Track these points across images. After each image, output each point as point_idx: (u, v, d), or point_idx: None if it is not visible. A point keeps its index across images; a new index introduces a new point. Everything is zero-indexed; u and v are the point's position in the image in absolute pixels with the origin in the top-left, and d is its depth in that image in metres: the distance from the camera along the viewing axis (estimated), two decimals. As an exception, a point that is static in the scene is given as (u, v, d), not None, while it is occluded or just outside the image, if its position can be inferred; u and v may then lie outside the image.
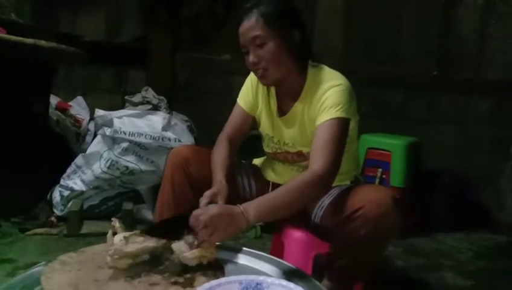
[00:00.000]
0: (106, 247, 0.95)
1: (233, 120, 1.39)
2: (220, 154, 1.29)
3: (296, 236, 1.38)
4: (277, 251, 1.52)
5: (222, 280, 0.88)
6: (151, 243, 0.97)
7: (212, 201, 1.08)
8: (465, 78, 2.78)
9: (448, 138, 2.80)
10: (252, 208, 1.00)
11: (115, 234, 0.99)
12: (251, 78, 1.39)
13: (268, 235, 2.07)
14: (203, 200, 1.08)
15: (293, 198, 1.06)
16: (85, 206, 2.17)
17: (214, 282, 0.86)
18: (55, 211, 2.17)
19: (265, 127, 1.38)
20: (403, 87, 2.85)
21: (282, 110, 1.33)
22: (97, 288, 0.86)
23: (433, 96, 2.85)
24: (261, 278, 0.91)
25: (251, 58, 1.20)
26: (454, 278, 1.91)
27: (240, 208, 0.99)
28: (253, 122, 1.41)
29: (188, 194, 1.29)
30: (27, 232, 1.98)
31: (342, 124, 1.18)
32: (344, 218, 1.13)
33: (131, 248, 0.94)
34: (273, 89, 1.34)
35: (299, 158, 1.33)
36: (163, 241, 0.99)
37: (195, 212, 0.96)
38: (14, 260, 1.72)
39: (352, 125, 1.24)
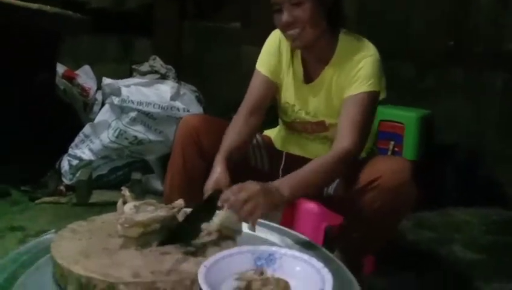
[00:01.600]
0: (116, 216, 0.94)
1: (254, 90, 1.27)
2: (230, 135, 1.19)
3: (307, 208, 1.36)
4: (287, 222, 1.50)
5: (234, 250, 0.86)
6: (162, 212, 0.94)
7: (217, 190, 1.03)
8: (481, 51, 2.69)
9: (462, 111, 2.72)
10: (286, 186, 0.97)
11: (125, 203, 0.97)
12: (272, 42, 1.29)
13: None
14: (207, 193, 1.04)
15: (324, 176, 1.06)
16: (94, 175, 2.17)
17: (226, 252, 0.85)
18: (64, 180, 2.17)
19: (286, 95, 1.30)
20: (416, 59, 2.76)
21: (309, 77, 1.25)
22: (108, 257, 0.84)
23: (447, 68, 2.76)
24: (274, 248, 0.89)
25: (285, 17, 1.12)
26: (464, 252, 1.89)
27: (275, 186, 0.96)
28: (276, 90, 1.30)
29: (199, 164, 1.26)
30: (36, 201, 1.99)
31: (372, 98, 1.14)
32: (360, 189, 1.10)
33: (142, 216, 0.92)
34: (298, 54, 1.25)
35: (318, 128, 1.28)
36: (174, 210, 0.97)
37: (233, 188, 0.92)
38: (25, 227, 1.73)
39: (381, 98, 1.20)
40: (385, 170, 1.07)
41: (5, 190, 2.04)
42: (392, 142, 2.27)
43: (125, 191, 1.01)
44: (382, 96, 1.20)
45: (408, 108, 2.39)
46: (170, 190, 1.30)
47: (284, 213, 1.60)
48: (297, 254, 0.87)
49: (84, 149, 2.18)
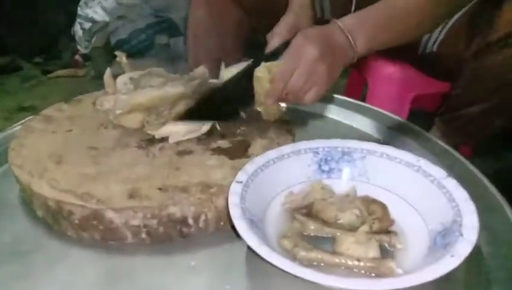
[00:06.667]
0: (103, 95, 0.60)
1: None
2: None
3: (387, 72, 0.97)
4: (354, 91, 1.14)
5: (286, 148, 0.52)
6: (174, 86, 0.60)
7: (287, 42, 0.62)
8: None
9: None
10: (359, 33, 0.58)
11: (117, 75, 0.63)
12: None
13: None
14: (275, 40, 0.62)
15: (416, 17, 0.61)
16: (112, 41, 1.87)
17: (272, 153, 0.50)
18: (79, 48, 1.90)
19: None
20: None
21: None
22: (92, 161, 0.54)
23: None
24: (351, 143, 0.52)
25: None
26: None
27: (343, 34, 0.57)
28: None
29: (230, 12, 0.90)
30: (50, 75, 1.75)
31: None
32: (491, 43, 0.71)
33: (142, 96, 0.58)
34: None
35: None
36: (194, 82, 0.62)
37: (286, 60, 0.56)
38: (34, 107, 1.51)
39: None
40: None
41: (15, 62, 1.79)
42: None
43: (121, 57, 0.67)
44: None
45: None
46: (194, 50, 0.95)
47: (349, 79, 1.22)
48: (392, 152, 0.51)
49: (95, 8, 1.84)
